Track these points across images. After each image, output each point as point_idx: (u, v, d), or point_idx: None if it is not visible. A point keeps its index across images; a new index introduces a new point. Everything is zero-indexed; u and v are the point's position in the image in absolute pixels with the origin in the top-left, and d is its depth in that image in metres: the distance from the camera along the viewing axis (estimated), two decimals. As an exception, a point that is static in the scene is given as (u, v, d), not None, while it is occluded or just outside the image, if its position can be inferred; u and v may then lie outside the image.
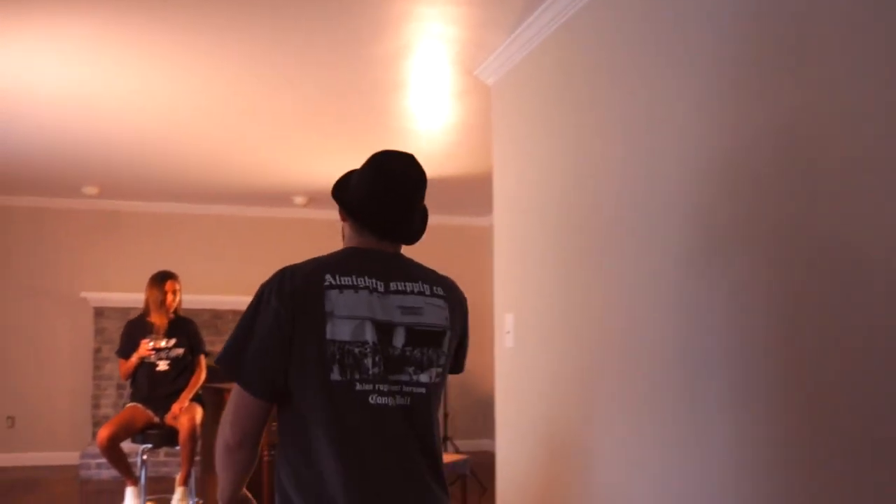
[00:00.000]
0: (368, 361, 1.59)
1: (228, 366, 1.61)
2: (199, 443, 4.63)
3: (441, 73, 3.99)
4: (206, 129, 5.19)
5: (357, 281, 1.64)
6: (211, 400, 4.98)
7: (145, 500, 4.59)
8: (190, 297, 6.78)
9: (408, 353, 1.64)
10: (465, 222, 8.77)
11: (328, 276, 1.64)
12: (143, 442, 4.58)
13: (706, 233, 2.14)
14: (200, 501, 4.95)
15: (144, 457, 4.60)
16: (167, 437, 4.58)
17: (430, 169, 6.15)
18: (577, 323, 2.86)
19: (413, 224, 1.78)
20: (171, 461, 7.09)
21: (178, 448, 4.56)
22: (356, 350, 1.59)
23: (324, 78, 4.10)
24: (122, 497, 4.60)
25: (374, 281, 1.66)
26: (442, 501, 1.65)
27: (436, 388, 1.68)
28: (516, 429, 3.37)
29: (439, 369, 1.69)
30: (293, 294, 1.61)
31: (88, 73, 4.02)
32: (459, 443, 7.27)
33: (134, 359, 4.63)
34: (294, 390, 1.59)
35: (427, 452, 1.65)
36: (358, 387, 1.58)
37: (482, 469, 6.90)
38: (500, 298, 3.60)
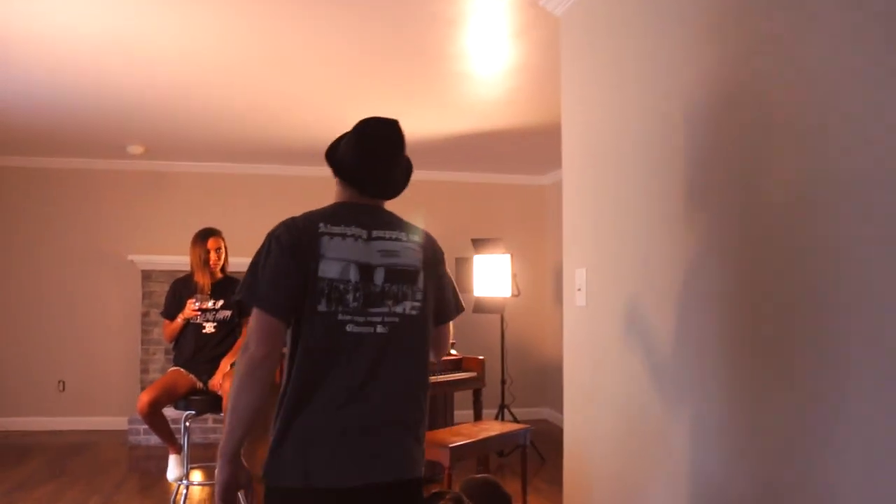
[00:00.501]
0: (349, 296, 1.92)
1: (248, 297, 1.91)
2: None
3: (501, 3, 3.59)
4: (253, 82, 4.89)
5: (345, 230, 1.97)
6: (257, 365, 4.73)
7: (188, 468, 4.36)
8: (238, 260, 6.57)
9: (386, 289, 1.97)
10: (522, 181, 8.38)
11: (321, 225, 1.97)
12: (186, 408, 4.34)
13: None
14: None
15: (188, 423, 4.36)
16: (211, 403, 4.33)
17: (486, 122, 5.78)
18: (658, 280, 2.48)
19: (392, 182, 2.12)
20: (220, 427, 6.92)
21: (222, 415, 4.31)
22: (341, 286, 1.92)
23: (375, 20, 3.75)
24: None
25: (359, 229, 1.99)
26: (406, 415, 1.97)
27: (413, 320, 2.00)
28: (587, 396, 3.01)
29: (416, 303, 2.02)
30: (293, 239, 1.94)
31: (129, 17, 3.73)
32: (517, 411, 6.94)
33: (179, 319, 4.39)
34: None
35: (406, 374, 1.98)
36: (339, 317, 1.91)
37: (540, 438, 6.62)
38: (570, 254, 3.22)
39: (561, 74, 3.35)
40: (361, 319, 1.93)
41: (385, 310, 1.96)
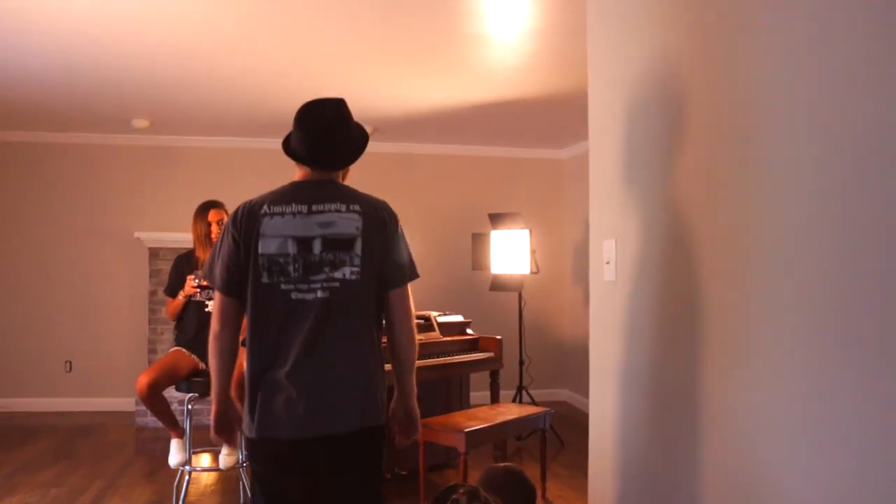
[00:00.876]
0: (290, 268, 2.14)
1: (209, 279, 2.26)
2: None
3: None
4: (260, 49, 4.63)
5: (285, 208, 2.21)
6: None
7: (191, 453, 4.16)
8: (247, 237, 6.35)
9: (324, 257, 2.16)
10: (540, 155, 8.10)
11: (265, 207, 2.24)
12: (188, 390, 4.13)
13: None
14: (252, 456, 4.52)
15: (190, 406, 4.15)
16: (214, 385, 4.12)
17: (504, 90, 5.48)
18: (697, 251, 2.22)
19: (337, 155, 2.33)
20: (229, 409, 6.74)
21: (226, 397, 4.10)
22: (280, 260, 2.15)
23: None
24: (174, 447, 4.20)
25: (299, 206, 2.21)
26: (351, 370, 2.17)
27: (352, 284, 2.18)
28: (616, 378, 2.77)
29: (354, 268, 2.19)
30: (241, 222, 2.23)
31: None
32: (534, 393, 6.71)
33: (180, 297, 4.18)
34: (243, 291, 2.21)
35: (352, 336, 2.18)
36: (283, 287, 2.15)
37: (559, 422, 6.39)
38: (597, 224, 2.96)
39: (587, 30, 3.07)
40: (304, 287, 2.16)
41: (324, 276, 2.17)
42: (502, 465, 3.22)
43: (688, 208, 2.29)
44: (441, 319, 5.10)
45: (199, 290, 4.08)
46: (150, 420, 6.48)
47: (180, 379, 4.08)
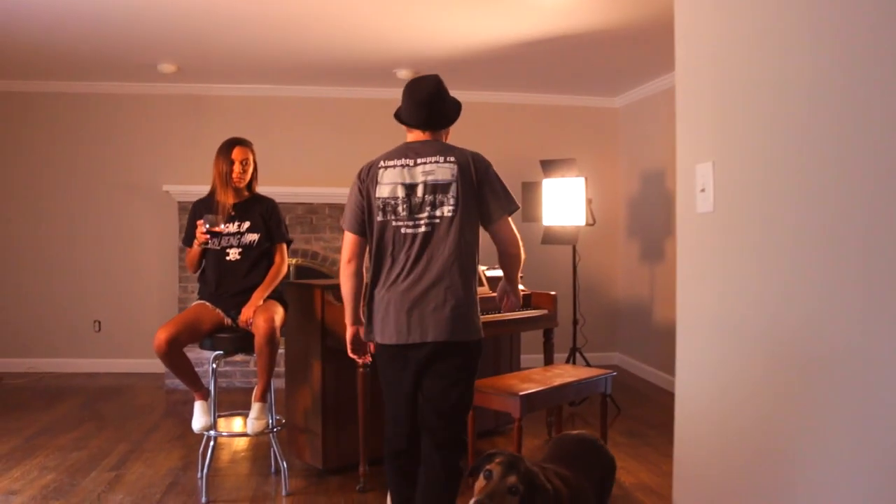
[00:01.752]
0: (399, 208, 2.74)
1: (342, 222, 2.90)
2: (280, 351, 3.74)
3: None
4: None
5: (396, 162, 2.78)
6: (296, 299, 4.10)
7: (216, 417, 3.78)
8: (281, 190, 5.95)
9: (426, 199, 2.72)
10: (592, 103, 7.54)
11: (381, 162, 2.81)
12: (213, 347, 3.74)
13: None
14: (283, 420, 4.12)
15: (215, 365, 3.76)
16: (241, 342, 3.71)
17: (558, 21, 4.88)
18: (819, 173, 1.72)
19: (436, 119, 2.84)
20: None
21: (255, 356, 3.70)
22: (392, 202, 2.75)
23: None
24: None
25: (407, 160, 2.77)
26: (445, 293, 2.68)
27: (450, 220, 2.71)
28: (711, 328, 2.29)
29: (451, 207, 2.71)
30: (364, 176, 2.83)
31: None
32: (587, 356, 6.24)
33: (195, 246, 3.77)
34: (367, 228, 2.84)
35: (452, 262, 2.70)
36: (393, 223, 2.75)
37: (613, 387, 5.94)
38: (687, 145, 2.47)
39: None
40: (410, 223, 2.72)
41: (426, 214, 2.71)
42: (575, 432, 2.76)
43: (816, 117, 1.78)
44: (490, 273, 4.64)
45: (208, 236, 3.66)
46: (181, 382, 6.14)
47: (203, 335, 3.69)
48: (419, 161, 2.74)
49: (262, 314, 3.56)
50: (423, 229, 2.70)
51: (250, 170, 3.84)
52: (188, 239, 3.84)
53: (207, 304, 3.77)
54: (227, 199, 3.75)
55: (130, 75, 6.55)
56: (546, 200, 5.75)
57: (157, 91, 6.88)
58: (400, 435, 2.82)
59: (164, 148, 6.89)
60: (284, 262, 3.90)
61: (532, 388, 3.75)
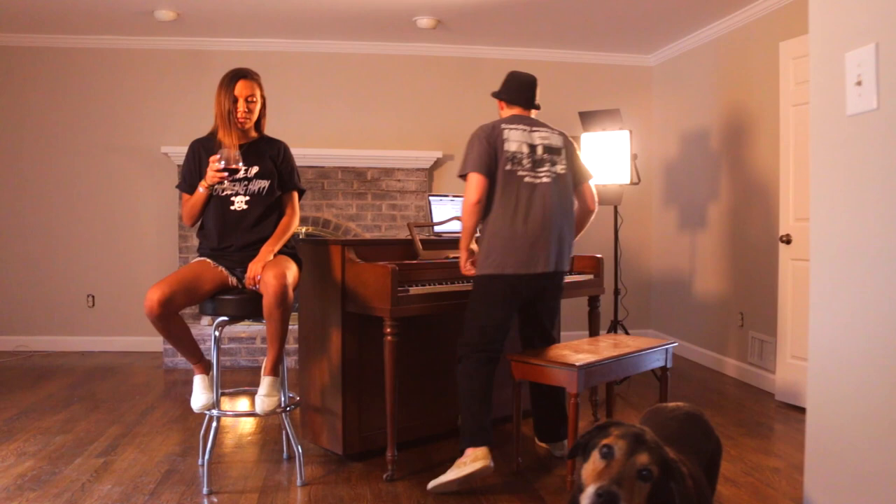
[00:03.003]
0: (525, 161, 3.29)
1: (464, 168, 3.27)
2: (292, 314, 3.17)
3: None
4: None
5: (516, 126, 3.34)
6: (309, 259, 3.54)
7: (220, 394, 3.22)
8: (297, 152, 5.34)
9: (546, 157, 3.34)
10: (625, 61, 6.97)
11: (503, 125, 3.32)
12: (215, 312, 3.18)
13: None
14: (296, 398, 3.56)
15: (217, 333, 3.20)
16: (248, 305, 3.15)
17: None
18: None
19: (533, 101, 3.48)
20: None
21: (265, 322, 3.14)
22: (518, 155, 3.28)
23: None
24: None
25: (524, 126, 3.36)
26: (558, 231, 3.31)
27: (562, 176, 3.39)
28: (871, 268, 1.73)
29: (563, 167, 3.40)
30: (486, 134, 3.28)
31: None
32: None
33: (201, 188, 3.20)
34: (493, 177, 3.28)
35: (563, 209, 3.36)
36: (519, 172, 3.27)
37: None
38: (832, 30, 1.89)
39: None
40: (532, 174, 3.30)
41: (546, 168, 3.34)
42: (672, 405, 2.19)
43: None
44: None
45: (225, 174, 3.10)
46: (181, 360, 5.62)
47: (203, 296, 3.12)
48: (533, 129, 3.37)
49: (271, 269, 3.00)
50: (544, 179, 3.31)
51: (257, 108, 3.28)
52: (188, 183, 3.28)
53: (208, 261, 3.21)
54: (232, 141, 3.17)
55: (125, 27, 5.98)
56: (585, 156, 5.16)
57: (155, 45, 6.30)
58: (500, 341, 3.29)
59: (163, 107, 6.32)
60: (296, 214, 3.35)
61: (590, 359, 3.20)
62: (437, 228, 3.93)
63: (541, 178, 3.29)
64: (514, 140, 3.28)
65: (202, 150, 3.26)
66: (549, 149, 3.35)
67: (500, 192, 3.23)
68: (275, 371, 3.13)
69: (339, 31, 6.15)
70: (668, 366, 3.74)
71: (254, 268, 3.05)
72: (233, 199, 3.22)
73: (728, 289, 5.64)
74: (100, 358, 6.01)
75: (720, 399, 4.82)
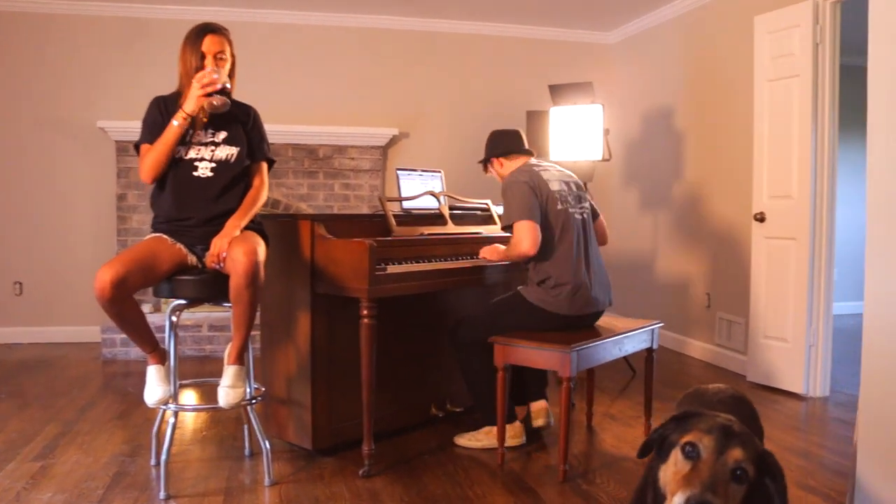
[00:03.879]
0: (569, 198, 3.32)
1: (511, 217, 3.22)
2: (260, 294, 2.84)
3: None
4: None
5: (546, 166, 3.40)
6: (274, 236, 3.21)
7: (178, 386, 2.88)
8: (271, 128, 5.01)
9: (578, 193, 3.41)
10: (581, 38, 6.79)
11: (534, 167, 3.34)
12: (171, 294, 2.84)
13: None
14: (262, 390, 3.24)
15: (174, 318, 2.85)
16: (209, 286, 2.82)
17: None
18: None
19: (526, 146, 3.55)
20: (219, 336, 5.49)
21: (229, 306, 2.82)
22: (563, 193, 3.30)
23: None
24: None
25: (548, 165, 3.43)
26: (602, 271, 3.41)
27: (589, 213, 3.43)
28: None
29: (588, 204, 3.45)
30: (528, 181, 3.24)
31: None
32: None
33: (175, 122, 2.79)
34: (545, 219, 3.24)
35: (596, 242, 3.46)
36: (569, 210, 3.28)
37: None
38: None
39: None
40: (577, 210, 3.33)
41: (580, 206, 3.37)
42: (713, 387, 1.98)
43: None
44: (500, 211, 3.85)
45: (217, 86, 2.78)
46: (121, 350, 5.21)
47: (161, 276, 2.77)
48: (551, 170, 3.40)
49: (240, 245, 2.67)
50: (585, 216, 3.37)
51: (226, 66, 2.95)
52: (150, 134, 2.89)
53: (165, 237, 2.85)
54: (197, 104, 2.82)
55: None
56: (554, 131, 4.94)
57: (94, 12, 5.82)
58: None
59: (101, 78, 5.85)
60: (265, 186, 3.02)
61: (583, 342, 2.98)
62: (406, 205, 3.65)
63: (584, 213, 3.35)
64: (554, 179, 3.31)
65: (165, 107, 2.90)
66: (577, 186, 3.42)
67: (560, 233, 3.22)
68: (240, 360, 2.82)
69: (289, 0, 5.79)
70: (654, 347, 3.57)
71: (219, 243, 2.71)
72: (196, 164, 2.87)
73: (693, 270, 5.52)
74: (29, 350, 5.54)
75: (691, 381, 4.68)
